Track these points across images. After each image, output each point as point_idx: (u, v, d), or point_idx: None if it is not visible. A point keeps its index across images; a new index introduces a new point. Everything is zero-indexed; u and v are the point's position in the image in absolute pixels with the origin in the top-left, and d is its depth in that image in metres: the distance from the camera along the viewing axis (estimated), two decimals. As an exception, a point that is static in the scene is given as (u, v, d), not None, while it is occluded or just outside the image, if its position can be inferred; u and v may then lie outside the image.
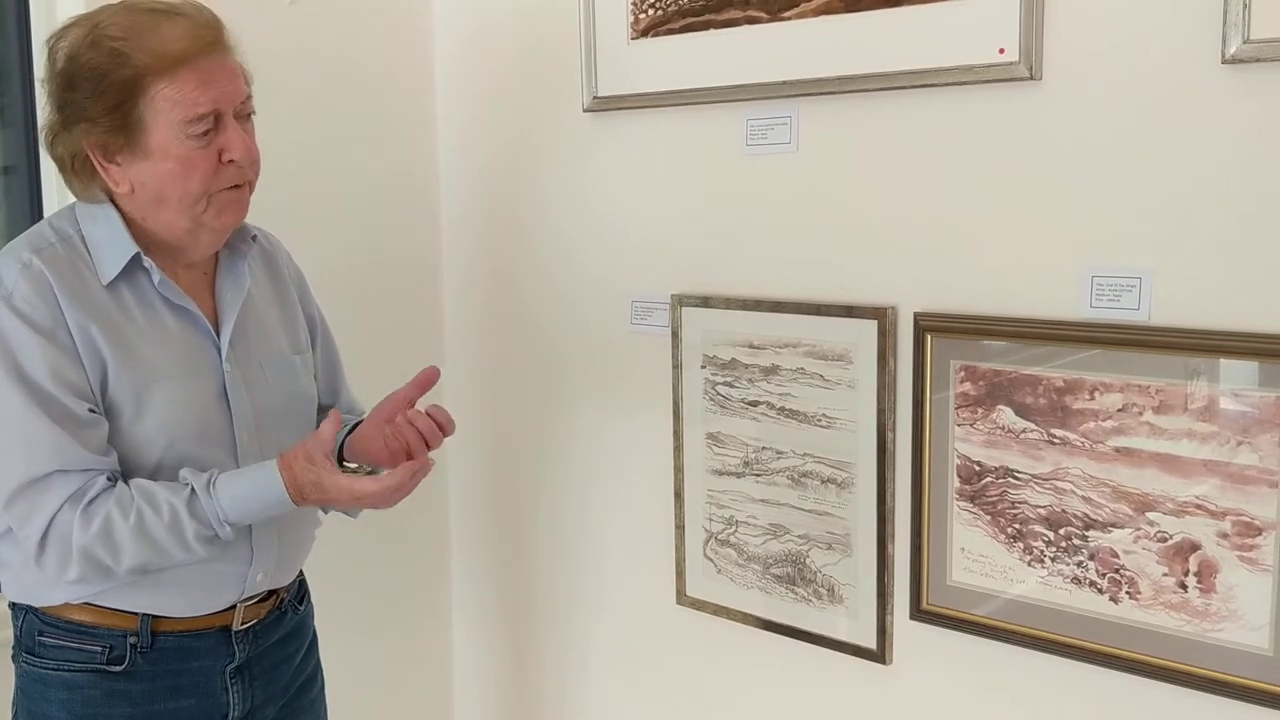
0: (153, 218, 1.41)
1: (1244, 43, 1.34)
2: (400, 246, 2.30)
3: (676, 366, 1.95)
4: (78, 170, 1.40)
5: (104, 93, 1.34)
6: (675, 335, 1.94)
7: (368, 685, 2.29)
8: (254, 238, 1.54)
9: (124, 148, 1.36)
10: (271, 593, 1.54)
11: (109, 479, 1.36)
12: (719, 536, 1.93)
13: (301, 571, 1.64)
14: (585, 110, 2.02)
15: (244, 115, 1.42)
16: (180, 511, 1.35)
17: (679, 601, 2.00)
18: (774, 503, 1.85)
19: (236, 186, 1.43)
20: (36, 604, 1.44)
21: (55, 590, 1.41)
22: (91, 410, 1.35)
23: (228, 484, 1.38)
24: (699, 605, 1.97)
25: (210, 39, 1.38)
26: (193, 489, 1.37)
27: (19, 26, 1.97)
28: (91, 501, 1.33)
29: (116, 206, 1.41)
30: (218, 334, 1.46)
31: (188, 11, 1.38)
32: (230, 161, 1.40)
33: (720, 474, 1.92)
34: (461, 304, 2.35)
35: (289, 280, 1.63)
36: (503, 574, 2.35)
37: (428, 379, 1.52)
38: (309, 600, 1.67)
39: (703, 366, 1.92)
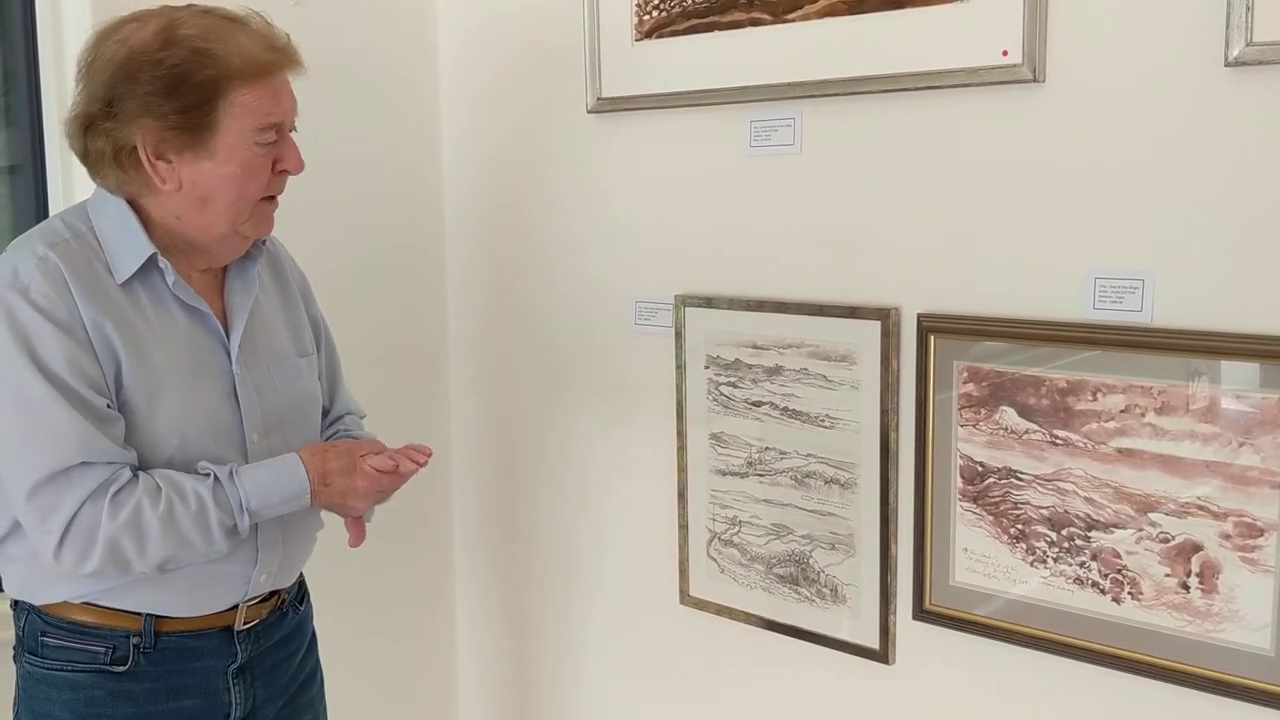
0: (189, 218, 1.42)
1: (1246, 45, 1.34)
2: (405, 247, 2.30)
3: (680, 366, 1.95)
4: (122, 163, 1.39)
5: (184, 91, 1.35)
6: (679, 335, 1.95)
7: (373, 686, 2.29)
8: (263, 243, 1.56)
9: (187, 147, 1.37)
10: (273, 593, 1.56)
11: (132, 471, 1.36)
12: (722, 536, 1.94)
13: (301, 573, 1.65)
14: (589, 111, 2.02)
15: (291, 131, 1.47)
16: (206, 499, 1.37)
17: (682, 601, 2.01)
18: (777, 503, 1.86)
19: (271, 199, 1.47)
20: (37, 601, 1.44)
21: (57, 587, 1.42)
22: (108, 406, 1.36)
23: (250, 473, 1.41)
24: (702, 605, 1.98)
25: (291, 54, 1.43)
26: (215, 476, 1.39)
27: (24, 27, 1.97)
28: (119, 491, 1.34)
29: (132, 204, 1.42)
30: (228, 336, 1.48)
31: (259, 25, 1.42)
32: (283, 171, 1.45)
33: (724, 474, 1.92)
34: (465, 304, 2.36)
35: (293, 283, 1.65)
36: (506, 573, 2.36)
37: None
38: (308, 601, 1.68)
39: (706, 367, 1.92)
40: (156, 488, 1.36)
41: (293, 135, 1.47)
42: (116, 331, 1.37)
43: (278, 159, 1.43)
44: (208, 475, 1.39)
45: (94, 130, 1.39)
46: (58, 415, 1.32)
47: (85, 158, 1.42)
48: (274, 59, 1.40)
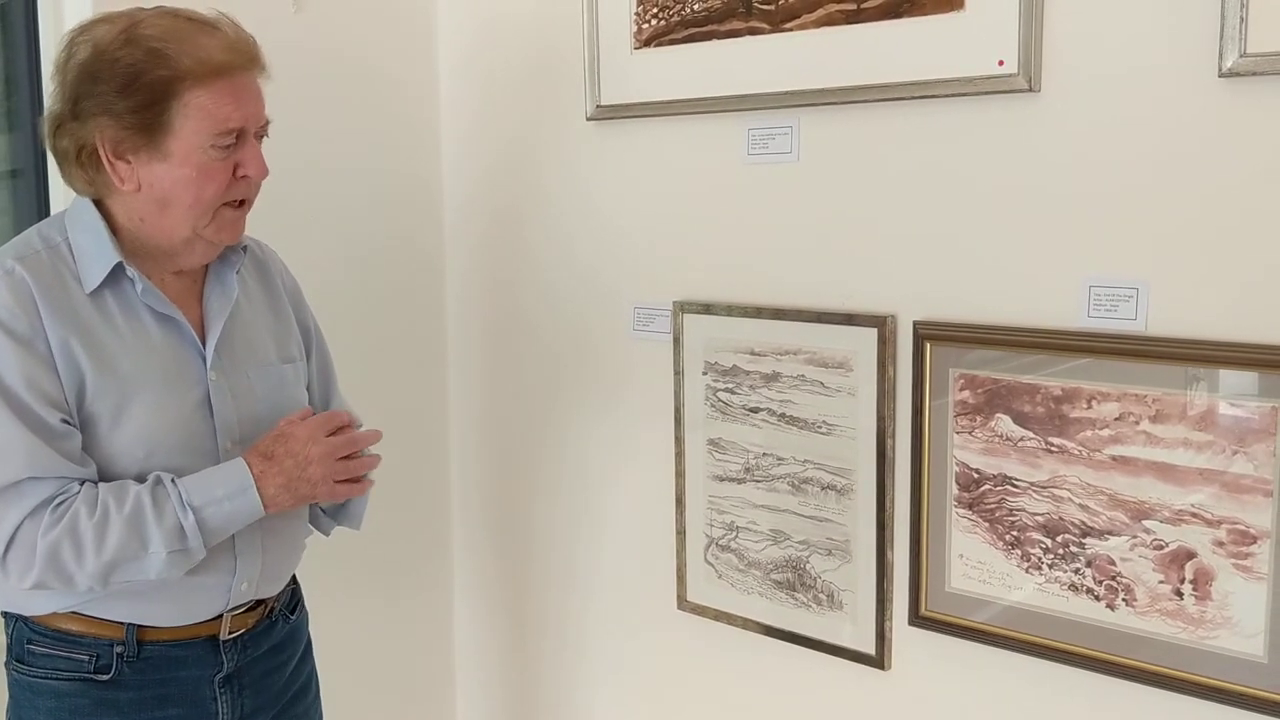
0: (152, 220, 1.41)
1: (1240, 56, 1.35)
2: (404, 253, 2.31)
3: (678, 373, 1.96)
4: (84, 163, 1.40)
5: (136, 90, 1.34)
6: (677, 342, 1.96)
7: (371, 691, 2.30)
8: (245, 248, 1.54)
9: (142, 147, 1.36)
10: (260, 602, 1.53)
11: (82, 485, 1.35)
12: (720, 542, 1.95)
13: (295, 580, 1.64)
14: (588, 119, 2.03)
15: (259, 137, 1.45)
16: (144, 499, 1.34)
17: (680, 607, 2.01)
18: (774, 509, 1.86)
19: (239, 205, 1.44)
20: (26, 613, 1.44)
21: (38, 599, 1.41)
22: (65, 421, 1.35)
23: (195, 474, 1.38)
24: (700, 610, 1.99)
25: (251, 55, 1.41)
26: (158, 478, 1.37)
27: (27, 32, 1.98)
28: (61, 503, 1.33)
29: (103, 208, 1.42)
30: (203, 343, 1.46)
31: (225, 27, 1.40)
32: (244, 177, 1.42)
33: (721, 480, 1.93)
34: (465, 310, 2.36)
35: (282, 290, 1.63)
36: (504, 578, 2.36)
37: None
38: (302, 609, 1.66)
39: (704, 373, 1.93)
40: (95, 496, 1.34)
41: (264, 141, 1.45)
42: (82, 346, 1.36)
43: (239, 164, 1.40)
44: (153, 477, 1.37)
45: (61, 130, 1.39)
46: (8, 430, 1.31)
47: (57, 158, 1.43)
48: (229, 60, 1.37)
